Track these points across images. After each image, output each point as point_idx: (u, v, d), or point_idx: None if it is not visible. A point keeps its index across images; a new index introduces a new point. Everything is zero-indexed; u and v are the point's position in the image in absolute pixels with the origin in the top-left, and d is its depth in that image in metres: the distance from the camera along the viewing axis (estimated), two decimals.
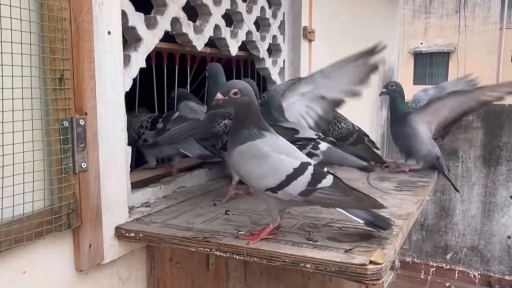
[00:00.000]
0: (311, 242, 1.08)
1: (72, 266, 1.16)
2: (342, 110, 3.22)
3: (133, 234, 1.23)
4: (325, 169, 1.14)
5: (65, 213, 1.08)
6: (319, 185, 1.07)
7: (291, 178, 1.07)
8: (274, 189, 1.07)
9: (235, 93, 1.09)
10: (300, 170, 1.08)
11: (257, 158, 1.08)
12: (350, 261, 0.95)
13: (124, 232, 1.24)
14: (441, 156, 1.93)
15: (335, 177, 1.11)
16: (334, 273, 0.96)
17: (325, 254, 1.00)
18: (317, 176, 1.08)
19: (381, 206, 1.11)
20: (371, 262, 0.94)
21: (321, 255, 0.99)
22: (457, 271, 4.37)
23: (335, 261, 0.96)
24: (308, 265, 0.98)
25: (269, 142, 1.10)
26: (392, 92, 1.96)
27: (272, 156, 1.08)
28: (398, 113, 1.94)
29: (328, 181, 1.08)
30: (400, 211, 1.34)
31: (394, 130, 2.00)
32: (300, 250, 1.02)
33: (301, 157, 1.14)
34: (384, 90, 1.98)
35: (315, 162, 1.16)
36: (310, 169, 1.09)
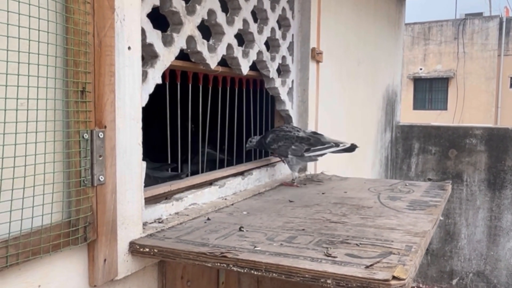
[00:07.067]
0: (330, 258, 1.07)
1: (86, 281, 1.14)
2: (349, 133, 3.26)
3: (147, 250, 1.22)
4: None
5: (82, 226, 1.07)
6: None
7: None
8: None
9: None
10: None
11: None
12: (373, 276, 0.94)
13: (138, 247, 1.23)
14: None
15: None
16: None
17: (345, 269, 0.98)
18: None
19: None
20: (394, 277, 0.93)
21: (341, 270, 0.98)
22: None
23: (357, 276, 0.95)
24: (329, 281, 0.97)
25: None
26: None
27: None
28: None
29: None
30: (416, 229, 1.33)
31: None
32: (320, 266, 1.01)
33: None
34: None
35: None
36: None
